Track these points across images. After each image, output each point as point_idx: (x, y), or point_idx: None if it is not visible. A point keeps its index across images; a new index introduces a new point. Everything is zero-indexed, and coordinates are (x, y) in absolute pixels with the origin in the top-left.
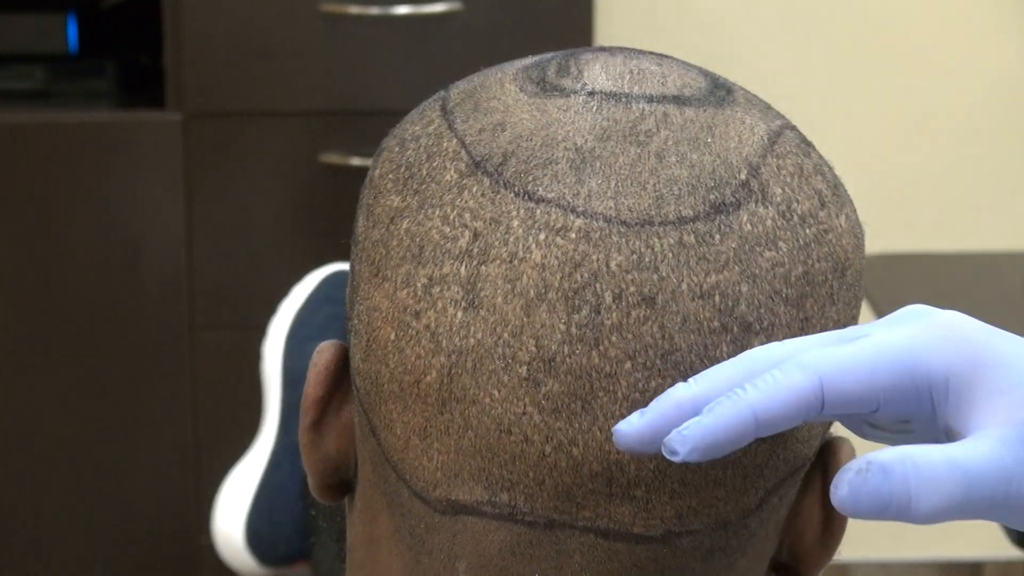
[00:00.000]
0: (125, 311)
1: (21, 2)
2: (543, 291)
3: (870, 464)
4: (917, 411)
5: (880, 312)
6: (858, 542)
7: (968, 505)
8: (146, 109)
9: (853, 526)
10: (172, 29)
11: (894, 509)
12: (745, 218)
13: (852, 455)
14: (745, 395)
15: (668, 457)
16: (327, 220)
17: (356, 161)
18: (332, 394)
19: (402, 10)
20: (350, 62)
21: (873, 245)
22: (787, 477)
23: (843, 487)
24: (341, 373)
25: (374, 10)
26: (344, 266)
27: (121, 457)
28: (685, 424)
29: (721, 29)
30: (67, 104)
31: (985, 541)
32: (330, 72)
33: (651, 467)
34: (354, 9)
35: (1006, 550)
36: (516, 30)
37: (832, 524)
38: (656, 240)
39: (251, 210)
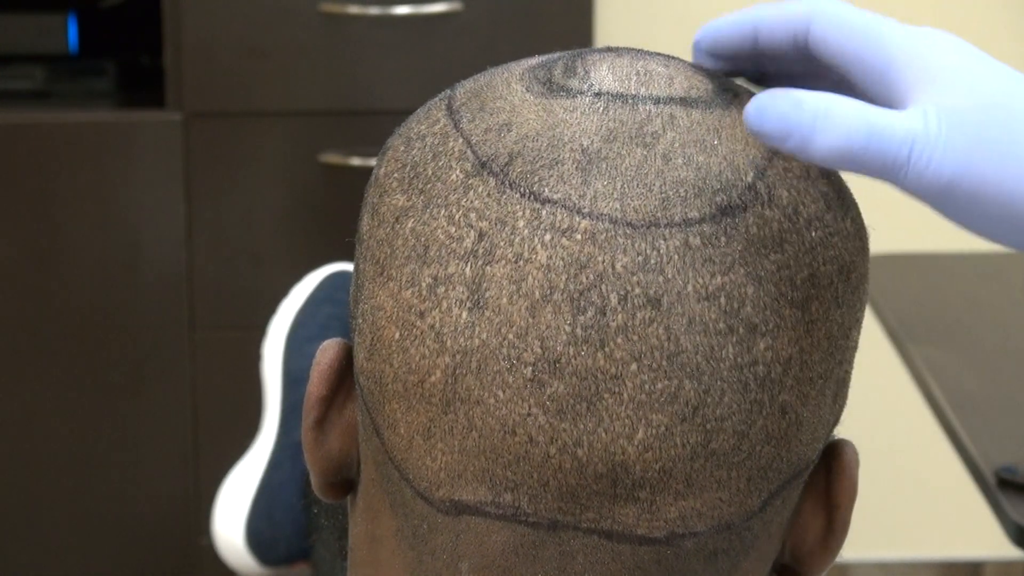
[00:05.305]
0: (125, 311)
1: (21, 2)
2: (548, 292)
3: (788, 93)
4: (880, 93)
5: (881, 313)
6: (858, 542)
7: (865, 154)
8: (146, 109)
9: (854, 526)
10: (172, 29)
11: (796, 139)
12: (751, 220)
13: (855, 457)
14: (755, 8)
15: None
16: (327, 220)
17: (356, 161)
18: (335, 392)
19: (402, 10)
20: (350, 62)
21: (873, 245)
22: (790, 479)
23: (752, 102)
24: (345, 372)
25: (374, 10)
26: (344, 266)
27: (121, 457)
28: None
29: None
30: (67, 104)
31: (985, 541)
32: (330, 72)
33: (656, 468)
34: (354, 9)
35: (1006, 550)
36: (516, 30)
37: (834, 527)
38: (662, 242)
39: (251, 210)
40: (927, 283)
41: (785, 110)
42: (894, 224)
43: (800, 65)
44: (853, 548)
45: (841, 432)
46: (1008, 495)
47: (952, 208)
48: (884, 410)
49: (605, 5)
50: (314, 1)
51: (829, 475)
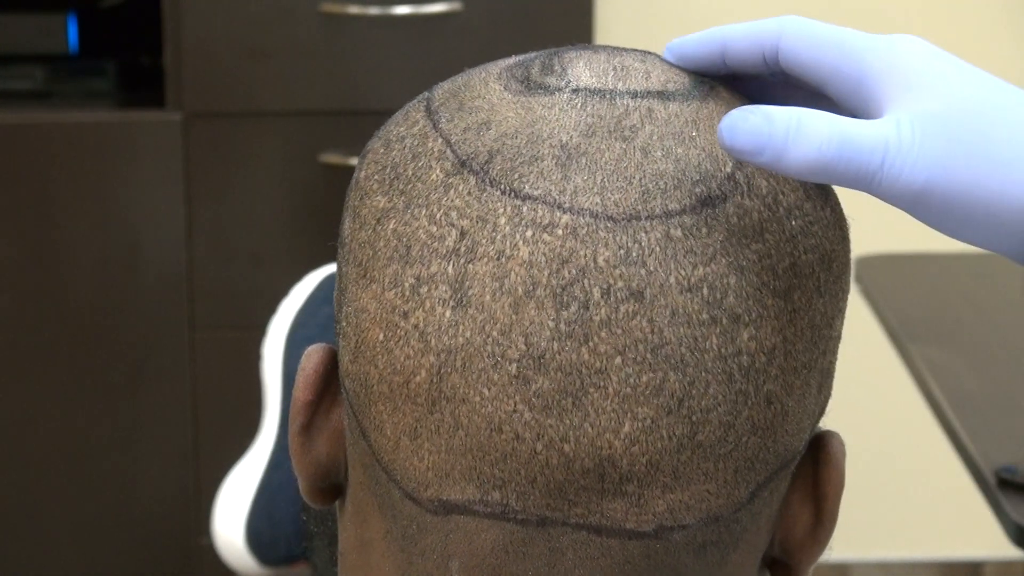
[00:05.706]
0: (125, 311)
1: (21, 2)
2: (531, 288)
3: (759, 108)
4: (857, 104)
5: (881, 313)
6: (858, 542)
7: (838, 164)
8: (146, 109)
9: (854, 526)
10: (172, 29)
11: (769, 153)
12: (731, 210)
13: (842, 448)
14: (723, 26)
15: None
16: (327, 220)
17: (356, 161)
18: (321, 397)
19: (402, 10)
20: (350, 62)
21: (873, 245)
22: (777, 471)
23: (725, 119)
24: (330, 376)
25: (374, 10)
26: None
27: (121, 457)
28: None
29: None
30: (67, 104)
31: (985, 541)
32: (330, 72)
33: (643, 462)
34: (354, 9)
35: (1006, 550)
36: (516, 30)
37: (823, 518)
38: (643, 234)
39: (251, 210)
40: (927, 283)
41: (757, 125)
42: (895, 224)
43: (772, 78)
44: (853, 548)
45: (842, 431)
46: (1008, 495)
47: (928, 213)
48: (884, 410)
49: (605, 5)
50: (314, 1)
51: (816, 466)
